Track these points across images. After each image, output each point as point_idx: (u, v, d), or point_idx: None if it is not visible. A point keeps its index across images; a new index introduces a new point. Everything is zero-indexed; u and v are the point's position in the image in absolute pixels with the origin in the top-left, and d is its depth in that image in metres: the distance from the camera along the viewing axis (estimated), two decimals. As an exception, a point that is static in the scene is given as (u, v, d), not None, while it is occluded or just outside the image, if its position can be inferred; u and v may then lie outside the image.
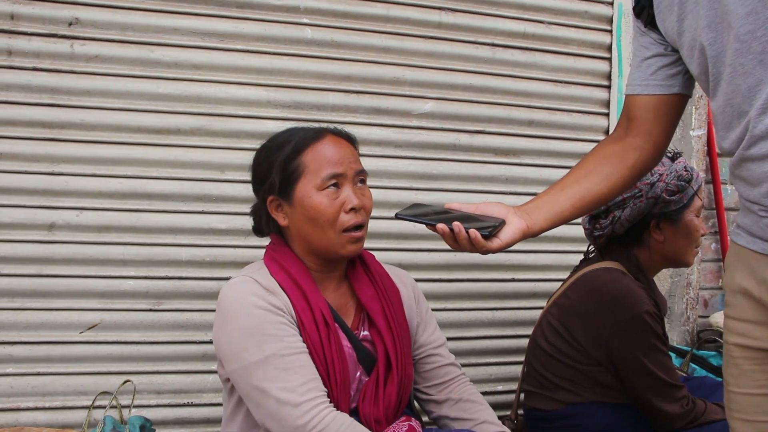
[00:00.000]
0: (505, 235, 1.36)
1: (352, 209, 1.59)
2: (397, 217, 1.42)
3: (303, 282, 1.59)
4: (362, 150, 2.30)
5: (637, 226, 2.02)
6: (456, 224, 1.33)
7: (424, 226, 1.40)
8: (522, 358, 2.20)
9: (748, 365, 1.28)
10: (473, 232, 1.33)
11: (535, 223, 1.42)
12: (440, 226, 1.35)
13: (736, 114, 1.23)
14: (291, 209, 1.61)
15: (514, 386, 2.25)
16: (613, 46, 2.78)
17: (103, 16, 2.24)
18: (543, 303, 2.25)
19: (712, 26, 1.23)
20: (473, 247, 1.34)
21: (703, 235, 2.08)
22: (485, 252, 1.36)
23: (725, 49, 1.22)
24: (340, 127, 1.72)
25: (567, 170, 2.66)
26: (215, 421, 2.30)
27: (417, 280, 2.38)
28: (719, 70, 1.25)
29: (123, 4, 2.26)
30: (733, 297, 1.31)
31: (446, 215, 1.39)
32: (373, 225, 2.31)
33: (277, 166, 1.60)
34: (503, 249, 1.37)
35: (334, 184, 1.59)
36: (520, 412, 2.19)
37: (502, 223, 1.37)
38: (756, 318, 1.25)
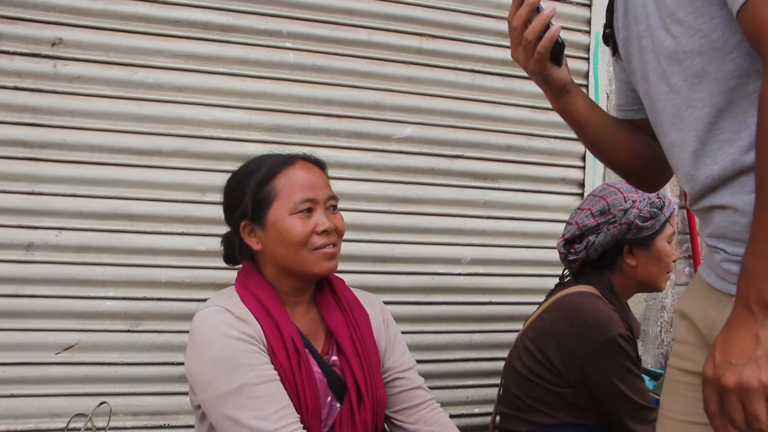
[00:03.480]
0: (565, 71, 1.36)
1: (324, 231, 1.62)
2: None
3: (273, 309, 1.61)
4: (342, 173, 2.50)
5: (610, 251, 2.06)
6: (552, 8, 1.28)
7: None
8: (498, 381, 2.21)
9: (684, 390, 1.29)
10: (557, 27, 1.28)
11: (575, 92, 1.40)
12: None
13: (674, 167, 1.28)
14: (264, 233, 1.63)
15: (491, 408, 2.25)
16: (590, 74, 2.82)
17: (86, 37, 2.26)
18: (519, 326, 2.27)
19: (644, 78, 1.28)
20: (535, 40, 1.28)
21: (674, 261, 2.13)
22: (539, 64, 1.31)
23: (654, 103, 1.27)
24: (309, 152, 1.76)
25: (545, 195, 2.72)
26: (191, 444, 2.29)
27: (394, 303, 2.54)
28: (654, 120, 1.30)
29: (107, 26, 2.27)
30: (680, 319, 1.33)
31: None
32: (351, 248, 2.46)
33: (249, 192, 1.64)
34: (556, 78, 1.34)
35: (307, 209, 1.62)
36: (496, 434, 2.20)
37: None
38: (695, 341, 1.27)
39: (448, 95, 2.65)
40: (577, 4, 2.80)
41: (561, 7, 2.74)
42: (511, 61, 2.62)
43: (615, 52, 1.44)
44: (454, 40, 2.65)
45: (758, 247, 0.95)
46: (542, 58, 1.29)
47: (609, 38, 1.43)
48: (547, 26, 1.27)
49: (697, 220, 1.32)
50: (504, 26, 2.62)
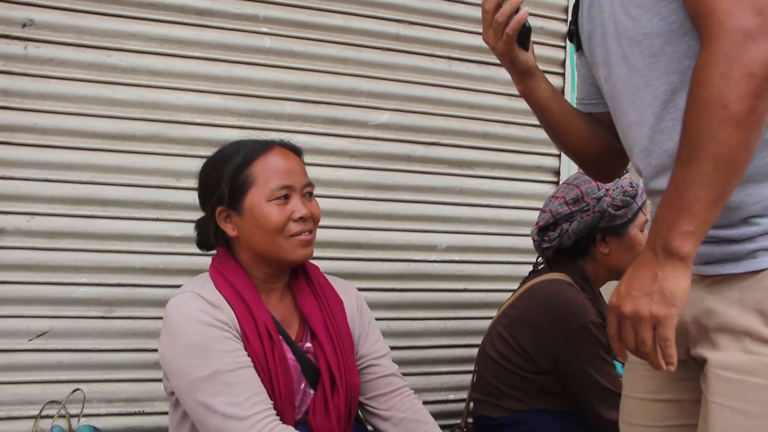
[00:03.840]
0: (530, 56, 1.46)
1: (301, 218, 1.63)
2: None
3: (247, 295, 1.61)
4: (318, 159, 2.49)
5: (583, 239, 2.08)
6: None
7: None
8: (472, 367, 2.24)
9: (643, 370, 1.36)
10: (525, 11, 1.37)
11: (539, 77, 1.50)
12: None
13: (628, 149, 1.36)
14: (240, 219, 1.64)
15: (465, 395, 2.28)
16: (566, 62, 2.84)
17: (58, 19, 2.23)
18: (493, 313, 2.30)
19: (606, 64, 1.36)
20: (504, 23, 1.37)
21: None
22: (506, 46, 1.40)
23: (614, 85, 1.34)
24: (286, 138, 1.76)
25: (521, 182, 2.72)
26: (166, 430, 2.27)
27: (370, 290, 2.55)
28: (613, 104, 1.37)
29: (79, 7, 2.24)
30: None
31: None
32: (327, 234, 2.48)
33: (226, 177, 1.64)
34: (522, 61, 1.43)
35: (284, 196, 1.63)
36: (470, 420, 2.23)
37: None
38: None
39: (424, 82, 2.65)
40: (554, -9, 2.84)
41: (538, -5, 2.79)
42: (488, 49, 2.63)
43: (579, 47, 1.51)
44: (431, 26, 2.65)
45: (668, 199, 1.06)
46: (510, 40, 1.38)
47: (573, 35, 1.51)
48: (517, 10, 1.36)
49: (649, 205, 1.37)
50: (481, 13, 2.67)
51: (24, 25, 2.19)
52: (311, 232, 1.67)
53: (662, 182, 1.22)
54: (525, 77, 1.47)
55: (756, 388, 1.09)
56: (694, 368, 1.22)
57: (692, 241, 1.04)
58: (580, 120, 1.54)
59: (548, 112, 1.52)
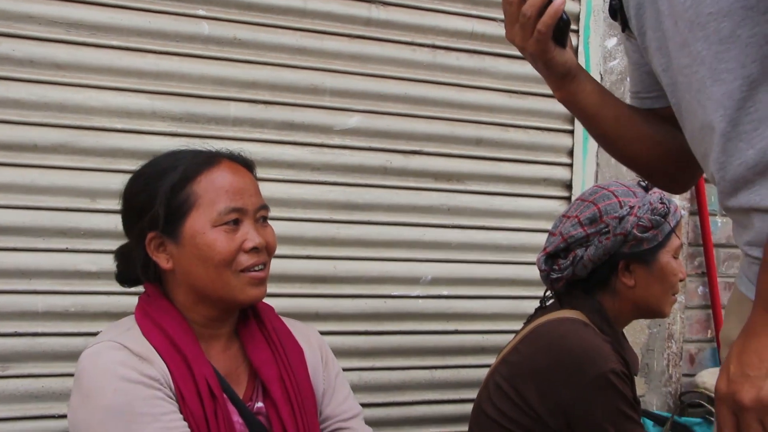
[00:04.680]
0: (570, 54, 1.42)
1: (254, 248, 1.61)
2: None
3: (183, 344, 1.58)
4: (271, 173, 2.49)
5: (602, 268, 2.06)
6: None
7: None
8: (466, 428, 2.19)
9: None
10: (561, 1, 1.32)
11: (583, 78, 1.48)
12: None
13: (700, 157, 1.34)
14: (177, 248, 1.61)
15: (457, 461, 2.26)
16: (579, 49, 2.84)
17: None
18: (491, 360, 2.26)
19: (662, 51, 1.33)
20: (535, 16, 1.33)
21: (682, 280, 2.13)
22: (539, 45, 1.36)
23: (675, 80, 1.32)
24: (236, 150, 1.74)
25: (523, 198, 2.74)
26: None
27: (337, 333, 2.56)
28: (676, 100, 1.35)
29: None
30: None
31: None
32: (283, 266, 2.45)
33: (161, 196, 1.60)
34: (560, 62, 1.41)
35: (234, 221, 1.61)
36: (464, 493, 2.18)
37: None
38: None
39: (403, 77, 2.63)
40: (565, -37, 2.81)
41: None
42: (481, 35, 2.68)
43: (625, 27, 1.47)
44: (411, 8, 2.63)
45: None
46: (544, 38, 1.33)
47: (617, 11, 1.47)
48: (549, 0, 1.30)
49: (732, 224, 1.34)
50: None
51: None
52: (265, 266, 1.65)
53: (742, 199, 1.21)
54: (565, 81, 1.43)
55: None
56: None
57: None
58: (641, 122, 1.52)
59: (598, 120, 1.49)
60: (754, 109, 1.16)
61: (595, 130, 1.53)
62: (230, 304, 1.64)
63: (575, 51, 2.81)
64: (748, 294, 1.27)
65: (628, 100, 1.59)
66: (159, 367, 1.54)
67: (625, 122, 1.50)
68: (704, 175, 1.38)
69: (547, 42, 1.34)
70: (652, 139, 1.51)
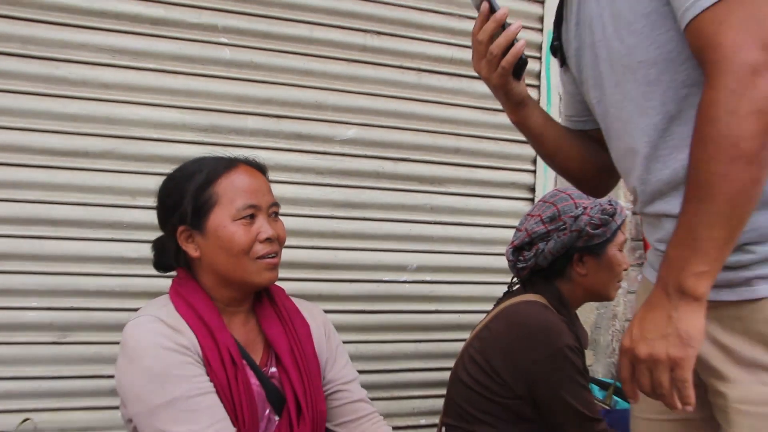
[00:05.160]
0: (524, 86, 1.47)
1: (267, 239, 1.64)
2: None
3: (209, 319, 1.62)
4: (282, 176, 2.51)
5: (560, 259, 2.10)
6: (518, 25, 1.37)
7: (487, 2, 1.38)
8: (445, 391, 2.23)
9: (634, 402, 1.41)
10: (522, 43, 1.37)
11: (532, 105, 1.52)
12: (503, 10, 1.36)
13: (622, 172, 1.41)
14: (203, 240, 1.64)
15: (437, 420, 2.29)
16: (542, 74, 2.88)
17: (0, 27, 2.23)
18: (466, 335, 2.28)
19: (597, 87, 1.39)
20: (500, 55, 1.37)
21: (626, 270, 2.17)
22: (502, 78, 1.40)
23: (607, 110, 1.38)
24: (251, 156, 1.77)
25: (494, 200, 2.78)
26: (122, 460, 2.29)
27: (337, 312, 2.59)
28: (606, 126, 1.41)
29: (23, 15, 2.25)
30: None
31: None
32: (292, 255, 2.48)
33: (188, 196, 1.64)
34: (516, 92, 1.44)
35: (250, 216, 1.63)
36: (442, 446, 2.22)
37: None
38: None
39: (393, 95, 2.68)
40: (530, 0, 2.85)
41: (513, 4, 2.78)
42: (459, 60, 2.72)
43: (563, 63, 1.54)
44: (400, 37, 2.68)
45: (679, 238, 1.09)
46: (506, 72, 1.39)
47: (557, 50, 1.54)
48: (512, 42, 1.36)
49: (644, 224, 1.43)
50: (453, 23, 2.70)
51: (-39, 34, 2.19)
52: (277, 254, 1.67)
53: (658, 207, 1.29)
54: (519, 108, 1.49)
55: None
56: (700, 388, 1.25)
57: (706, 281, 1.07)
58: (573, 141, 1.58)
59: (542, 139, 1.55)
60: (671, 138, 1.23)
61: (539, 146, 1.58)
62: (248, 286, 1.66)
63: (538, 75, 2.87)
64: (652, 279, 1.35)
65: (562, 121, 1.66)
66: (189, 338, 1.57)
67: (562, 141, 1.57)
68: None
69: (507, 76, 1.39)
70: (582, 155, 1.58)
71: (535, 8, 2.87)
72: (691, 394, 1.10)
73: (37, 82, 2.26)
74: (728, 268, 1.17)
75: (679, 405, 1.12)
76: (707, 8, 1.07)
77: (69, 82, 2.29)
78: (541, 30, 2.88)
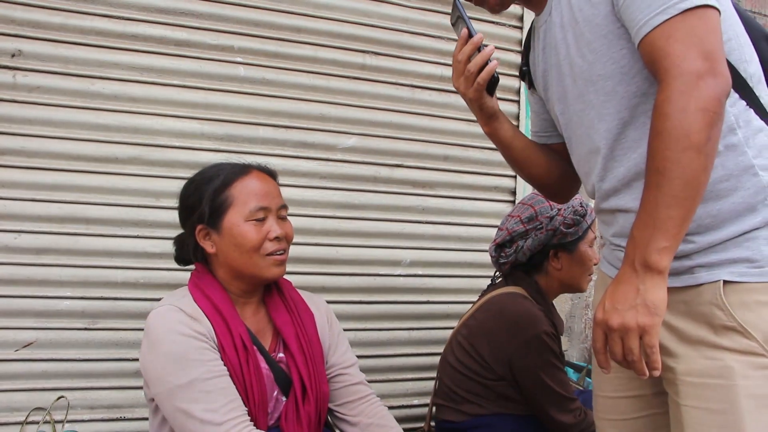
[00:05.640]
0: (496, 101, 1.51)
1: (276, 238, 1.66)
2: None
3: (224, 308, 1.63)
4: (289, 180, 2.52)
5: (538, 255, 2.13)
6: (491, 48, 1.42)
7: (465, 23, 1.43)
8: (435, 374, 2.26)
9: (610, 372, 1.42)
10: (495, 63, 1.41)
11: (503, 118, 1.55)
12: (479, 36, 1.41)
13: (583, 174, 1.47)
14: (219, 237, 1.65)
15: (428, 400, 2.30)
16: (521, 91, 2.90)
17: (45, 49, 2.28)
18: (455, 323, 2.32)
19: (562, 100, 1.45)
20: (476, 73, 1.40)
21: (596, 264, 2.17)
22: (477, 93, 1.43)
23: (570, 120, 1.44)
24: (263, 163, 1.79)
25: (479, 202, 2.80)
26: (146, 435, 2.30)
27: (338, 302, 2.60)
28: (569, 134, 1.48)
29: (65, 38, 2.30)
30: None
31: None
32: (298, 251, 2.48)
33: (206, 197, 1.66)
34: (489, 106, 1.47)
35: (261, 217, 1.65)
36: (433, 424, 2.25)
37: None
38: None
39: (389, 108, 2.70)
40: (509, 26, 2.88)
41: (494, 29, 2.82)
42: (448, 78, 2.70)
43: (531, 86, 1.60)
44: (395, 57, 2.71)
45: (642, 220, 1.14)
46: (480, 88, 1.43)
47: (525, 75, 1.61)
48: (487, 62, 1.41)
49: (598, 222, 1.49)
50: (442, 45, 2.74)
51: (13, 55, 2.25)
52: (285, 251, 1.69)
53: (613, 202, 1.34)
54: (491, 120, 1.52)
55: (717, 388, 1.19)
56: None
57: (668, 255, 1.11)
58: (538, 152, 1.62)
59: (511, 149, 1.58)
60: (624, 140, 1.29)
61: (508, 156, 1.61)
62: (258, 279, 1.68)
63: (518, 92, 2.90)
64: (608, 273, 1.44)
65: (530, 136, 1.70)
66: (205, 325, 1.59)
67: (529, 152, 1.60)
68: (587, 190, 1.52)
69: (482, 91, 1.43)
70: (547, 165, 1.62)
71: (514, 33, 2.92)
72: (658, 359, 1.13)
73: (75, 97, 2.32)
74: (673, 258, 1.20)
75: (646, 372, 1.14)
76: (657, 26, 1.15)
77: (102, 96, 2.34)
78: (519, 52, 2.89)
